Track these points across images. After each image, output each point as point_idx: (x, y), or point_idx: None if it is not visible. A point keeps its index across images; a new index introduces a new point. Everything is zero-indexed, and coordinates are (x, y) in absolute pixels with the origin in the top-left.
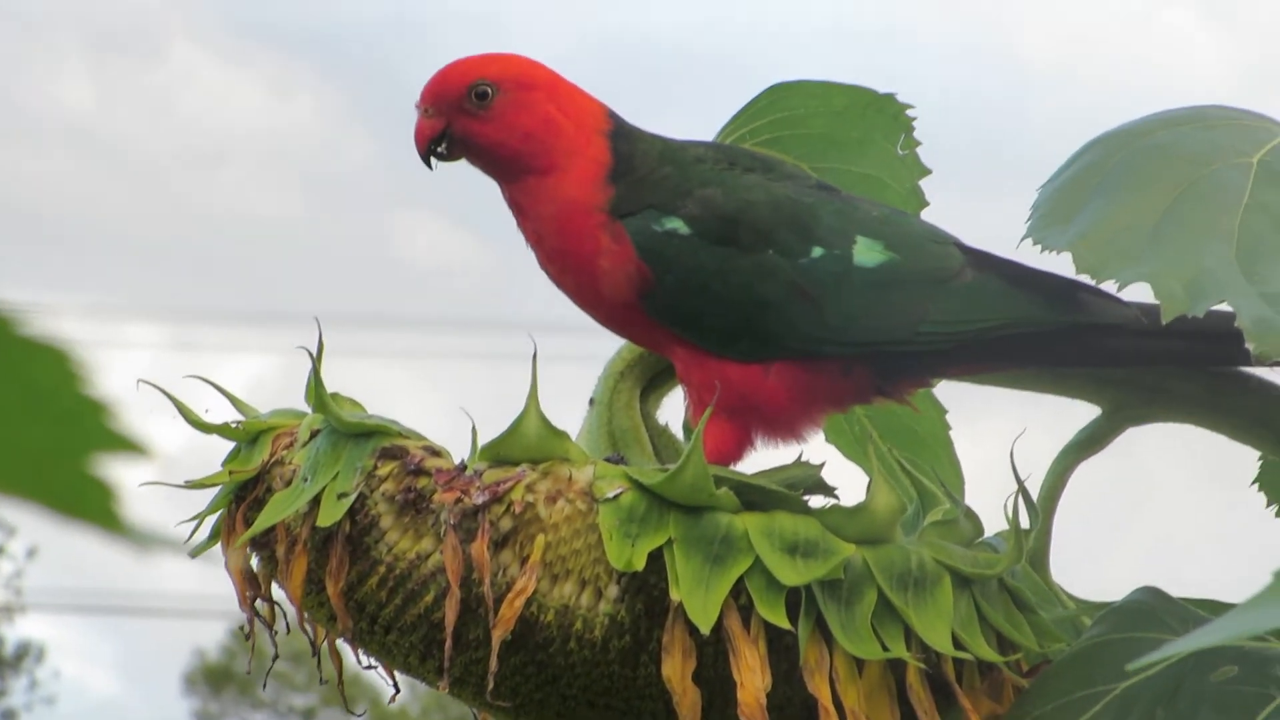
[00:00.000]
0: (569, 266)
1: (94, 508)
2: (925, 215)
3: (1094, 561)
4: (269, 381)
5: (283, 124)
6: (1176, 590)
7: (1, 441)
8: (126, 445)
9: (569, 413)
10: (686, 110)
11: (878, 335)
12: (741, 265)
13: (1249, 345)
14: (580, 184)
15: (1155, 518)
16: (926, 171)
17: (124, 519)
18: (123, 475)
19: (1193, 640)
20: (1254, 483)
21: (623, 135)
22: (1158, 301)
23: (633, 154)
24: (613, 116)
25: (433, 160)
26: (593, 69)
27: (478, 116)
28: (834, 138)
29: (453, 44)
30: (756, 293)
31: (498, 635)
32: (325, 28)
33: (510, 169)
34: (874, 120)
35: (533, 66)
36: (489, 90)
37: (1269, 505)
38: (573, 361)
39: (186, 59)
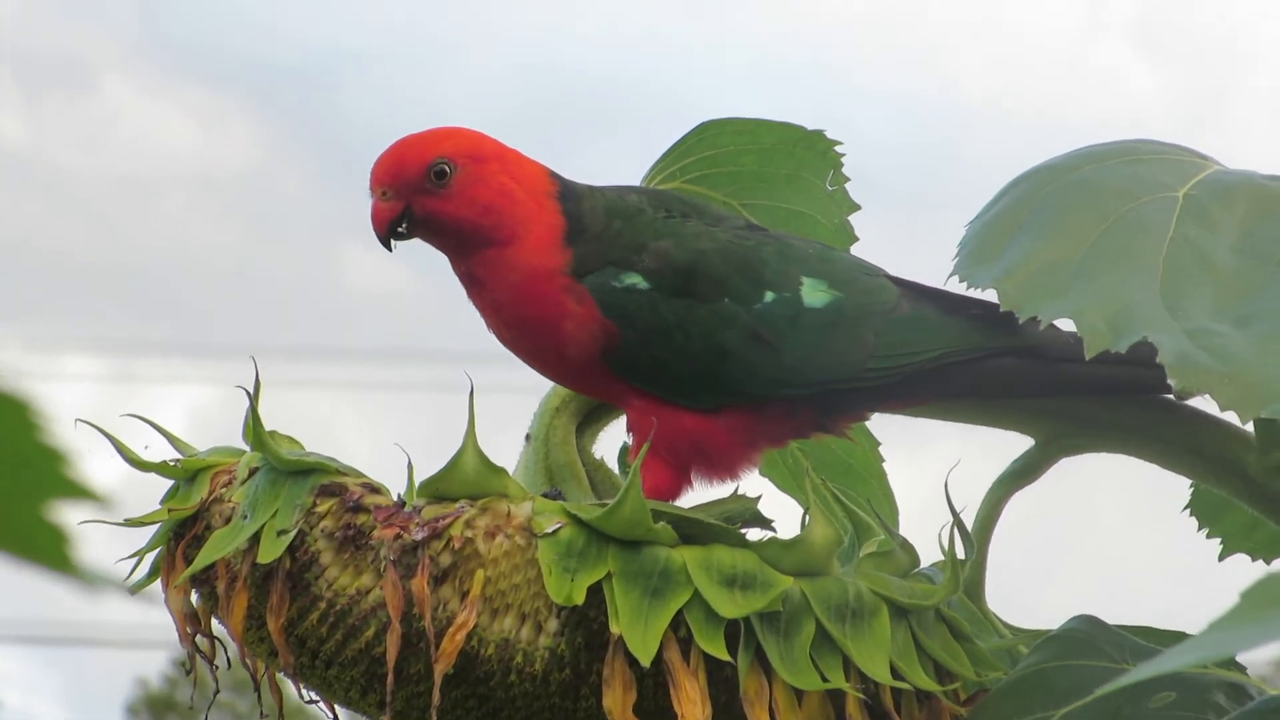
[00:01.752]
0: (529, 331)
1: (48, 551)
2: (856, 250)
3: (1030, 590)
4: (208, 413)
5: (217, 155)
6: (1112, 618)
7: None
8: (82, 493)
9: (508, 443)
10: (618, 142)
11: (830, 374)
12: (700, 315)
13: (1171, 381)
14: (538, 250)
15: (1091, 546)
16: (856, 207)
17: (77, 563)
18: (74, 519)
19: (1153, 666)
20: (1186, 508)
21: (569, 196)
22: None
23: (582, 213)
24: (554, 177)
25: (392, 242)
26: (524, 103)
27: (438, 195)
28: (763, 174)
29: (385, 76)
30: (716, 341)
31: (439, 669)
32: (257, 60)
33: (470, 243)
34: (803, 157)
35: (481, 138)
36: (447, 168)
37: (1200, 529)
38: (511, 391)
39: (119, 91)
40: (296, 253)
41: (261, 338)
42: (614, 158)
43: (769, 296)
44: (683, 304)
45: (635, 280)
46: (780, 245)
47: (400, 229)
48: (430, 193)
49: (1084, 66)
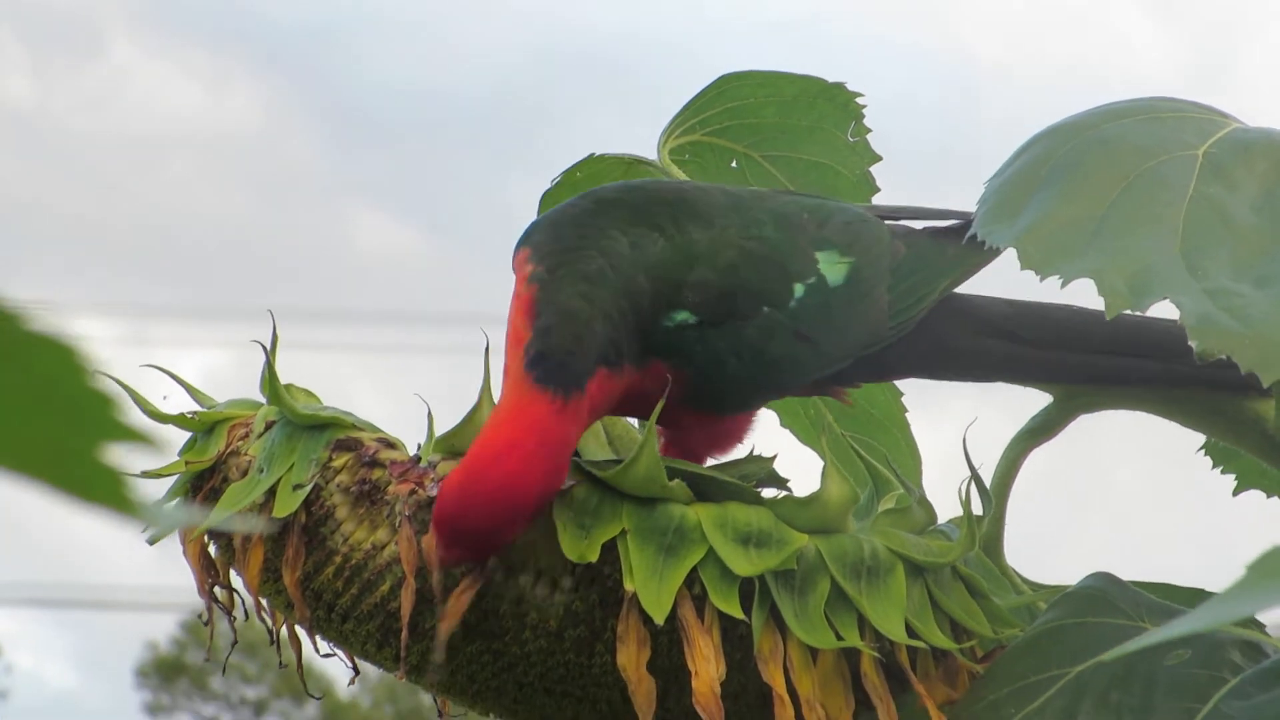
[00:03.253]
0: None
1: (106, 492)
2: (877, 200)
3: (1049, 546)
4: (221, 376)
5: (224, 117)
6: (1129, 574)
7: (16, 431)
8: (132, 435)
9: None
10: (629, 105)
11: (858, 343)
12: (748, 334)
13: (1191, 342)
14: (605, 400)
15: (1109, 502)
16: (877, 158)
17: (135, 501)
18: (129, 461)
19: (1169, 630)
20: (1201, 449)
21: (564, 369)
22: (1101, 298)
23: (599, 343)
24: (543, 383)
25: None
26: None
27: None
28: (784, 126)
29: (393, 35)
30: (767, 353)
31: (444, 628)
32: (264, 21)
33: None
34: (823, 109)
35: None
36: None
37: (1215, 467)
38: None
39: (126, 53)
40: (305, 214)
41: (272, 299)
42: (629, 113)
43: (799, 290)
44: (730, 326)
45: (684, 316)
46: (775, 216)
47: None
48: None
49: (1093, 25)
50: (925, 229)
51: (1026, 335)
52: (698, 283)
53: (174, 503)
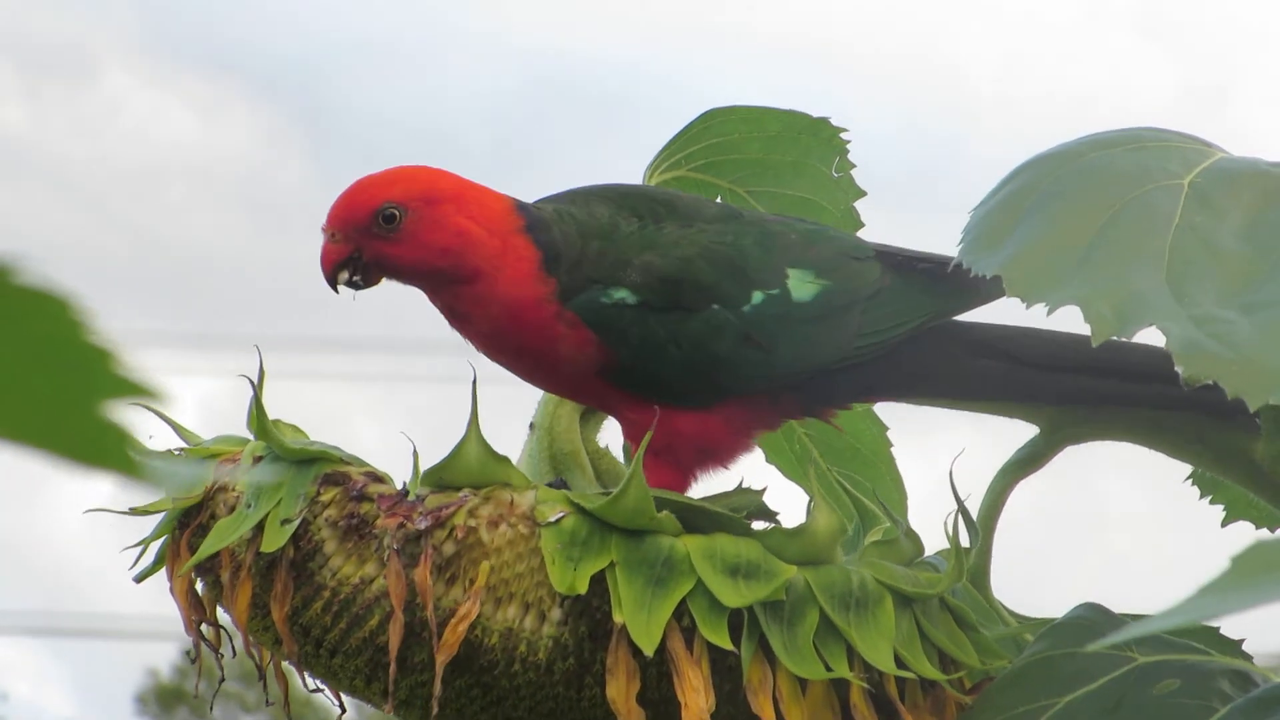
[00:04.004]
0: (525, 356)
1: (109, 452)
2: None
3: (1036, 578)
4: (216, 404)
5: (217, 146)
6: (1118, 605)
7: (10, 392)
8: (135, 389)
9: (512, 432)
10: (620, 131)
11: (819, 361)
12: (691, 326)
13: (1178, 368)
14: (518, 283)
15: (1097, 534)
16: (861, 193)
17: (139, 461)
18: (132, 418)
19: (1150, 624)
20: (1188, 479)
21: (539, 226)
22: (1087, 325)
23: (554, 241)
24: (521, 209)
25: (340, 286)
26: (527, 91)
27: (388, 239)
28: (768, 162)
29: (388, 64)
30: (709, 349)
31: (441, 660)
32: (258, 49)
33: (434, 283)
34: (808, 144)
35: (436, 178)
36: (396, 213)
37: (1203, 497)
38: (514, 381)
39: (120, 81)
40: (300, 243)
41: (266, 328)
42: (617, 147)
43: (757, 297)
44: (672, 315)
45: (623, 295)
46: (761, 233)
47: (354, 278)
48: (379, 237)
49: (1087, 53)
50: (923, 267)
51: (1017, 354)
52: (643, 265)
53: (175, 464)
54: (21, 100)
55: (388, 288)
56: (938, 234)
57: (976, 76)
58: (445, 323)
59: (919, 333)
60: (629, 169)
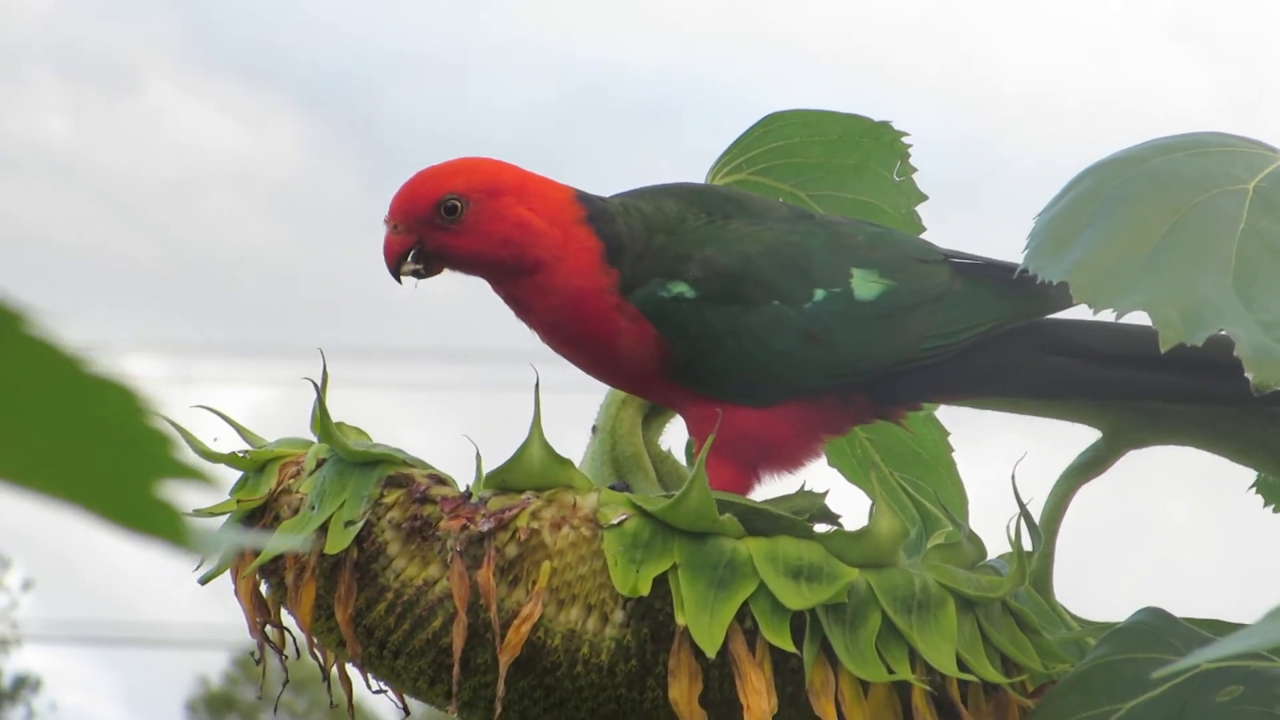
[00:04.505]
0: (583, 349)
1: (161, 525)
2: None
3: (1100, 582)
4: (266, 413)
5: (260, 155)
6: (1180, 610)
7: (72, 467)
8: (188, 472)
9: (573, 438)
10: (670, 145)
11: (884, 360)
12: (751, 321)
13: (1248, 374)
14: (580, 274)
15: (1160, 538)
16: (923, 197)
17: (188, 532)
18: (185, 497)
19: (1207, 653)
20: (1252, 487)
21: (601, 217)
22: (1156, 330)
23: (618, 233)
24: (584, 200)
25: (403, 277)
26: (571, 105)
27: (450, 230)
28: (829, 166)
29: (433, 74)
30: (769, 345)
31: (504, 660)
32: (301, 60)
33: (495, 273)
34: (869, 148)
35: (498, 170)
36: (458, 204)
37: (1266, 506)
38: (576, 386)
39: (162, 91)
40: (344, 251)
41: (311, 337)
42: (662, 155)
43: (819, 294)
44: (732, 310)
45: (682, 289)
46: (829, 234)
47: (416, 267)
48: (442, 228)
49: (1124, 59)
50: (994, 273)
51: (1088, 349)
52: (704, 259)
53: (224, 528)
54: (65, 111)
55: (442, 293)
56: (979, 237)
57: (1014, 82)
58: (494, 331)
59: (989, 337)
60: (687, 175)
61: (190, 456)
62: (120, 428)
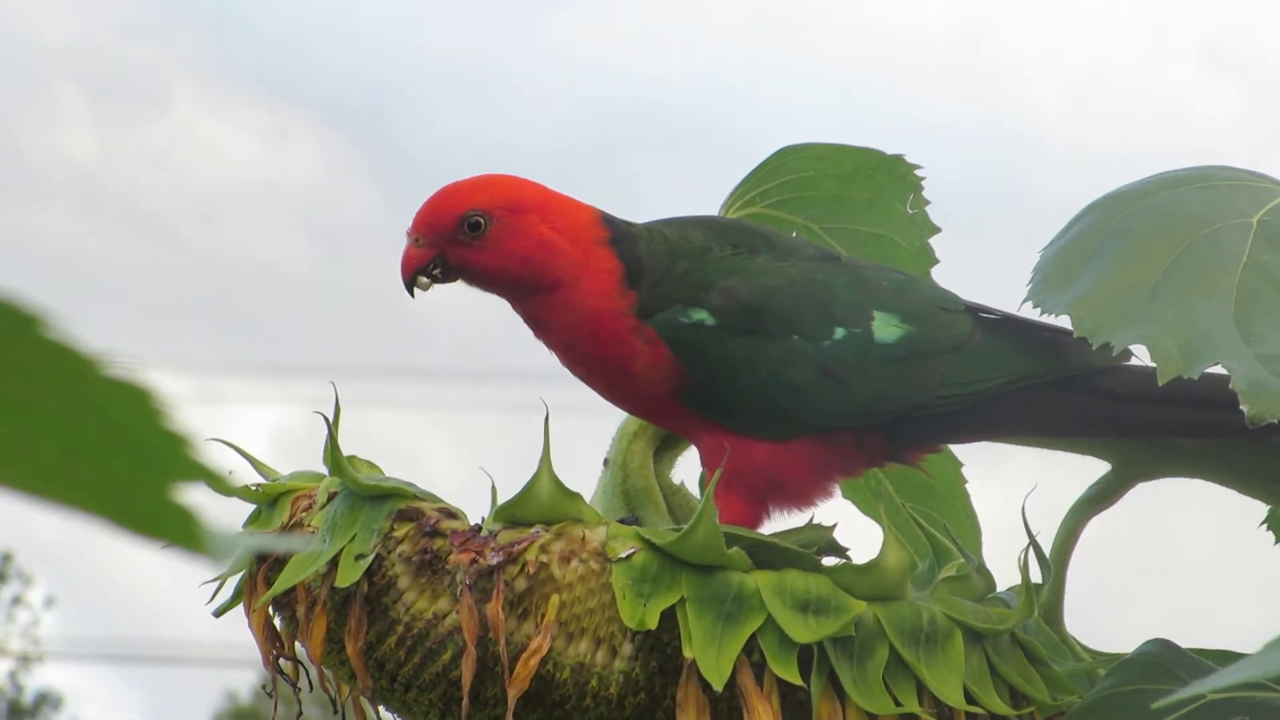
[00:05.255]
0: (599, 370)
1: (176, 531)
2: (934, 272)
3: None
4: (291, 431)
5: (285, 172)
6: (1190, 641)
7: (88, 471)
8: (205, 474)
9: (584, 462)
10: (688, 171)
11: (899, 404)
12: (769, 353)
13: (1244, 407)
14: (597, 294)
15: (1171, 570)
16: (936, 230)
17: (206, 539)
18: (202, 499)
19: (1212, 681)
20: (1263, 523)
21: (624, 240)
22: (1153, 364)
23: (639, 256)
24: (607, 222)
25: (415, 290)
26: (595, 124)
27: (472, 246)
28: (843, 199)
29: (453, 93)
30: (785, 378)
31: (513, 693)
32: (325, 75)
33: (514, 291)
34: (883, 181)
35: (522, 188)
36: (481, 220)
37: (1277, 543)
38: (588, 411)
39: (186, 110)
40: (369, 267)
41: (334, 356)
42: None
43: (839, 332)
44: (751, 341)
45: (703, 317)
46: (853, 276)
47: (433, 274)
48: (464, 243)
49: (1151, 92)
50: (1013, 329)
51: (1102, 388)
52: (726, 289)
53: (241, 535)
54: (90, 130)
55: (465, 311)
56: (998, 272)
57: (1041, 108)
58: (513, 353)
59: (1006, 390)
60: (705, 199)
61: (208, 457)
62: (137, 429)
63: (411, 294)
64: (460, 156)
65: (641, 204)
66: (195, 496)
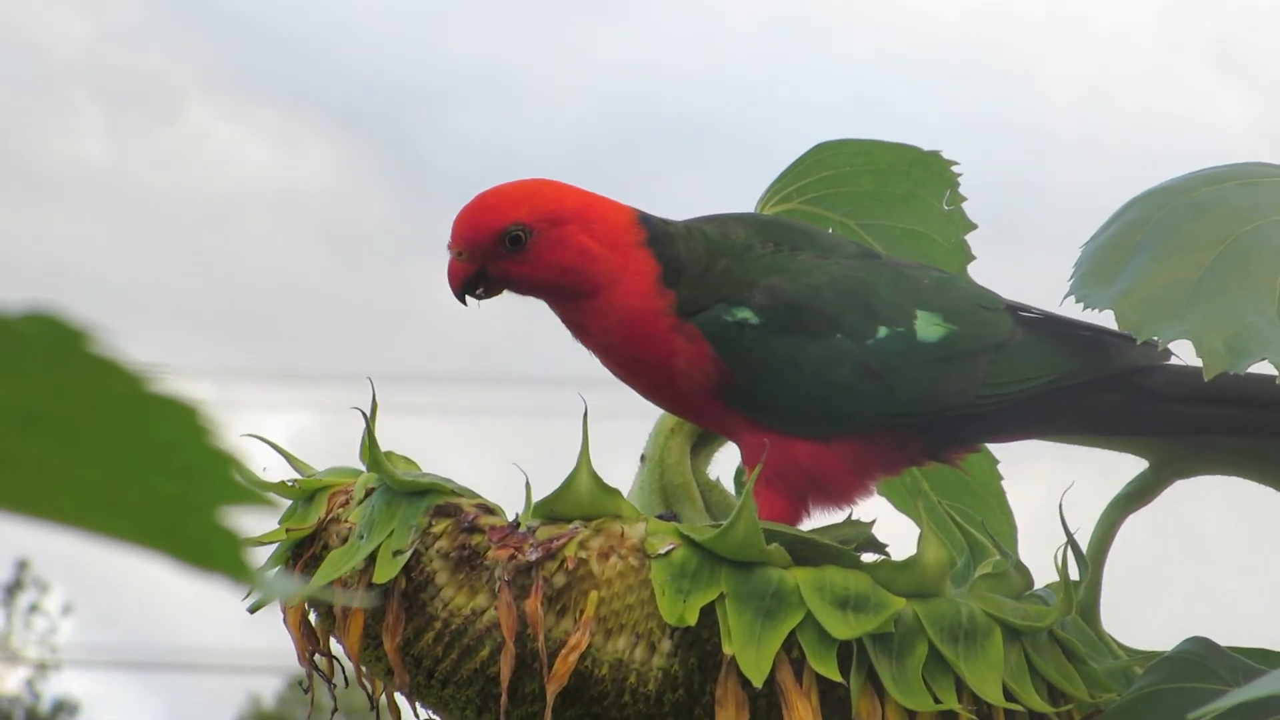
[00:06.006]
0: (641, 370)
1: (223, 557)
2: (971, 268)
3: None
4: (308, 438)
5: (299, 178)
6: (1228, 639)
7: (133, 494)
8: (253, 497)
9: (622, 463)
10: (706, 173)
11: (941, 404)
12: (812, 352)
13: None
14: (636, 295)
15: (1208, 567)
16: (973, 226)
17: (252, 568)
18: (249, 525)
19: (1255, 689)
20: None
21: (661, 240)
22: (1199, 359)
23: (677, 255)
24: (645, 222)
25: (469, 300)
26: (612, 128)
27: (513, 259)
28: (880, 195)
29: (469, 98)
30: (829, 377)
31: (552, 690)
32: (340, 81)
33: (554, 297)
34: (919, 177)
35: (561, 196)
36: (522, 234)
37: None
38: (625, 413)
39: (199, 116)
40: (386, 274)
41: (350, 362)
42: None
43: (882, 331)
44: (795, 339)
45: (746, 315)
46: (895, 275)
47: (477, 294)
48: (505, 257)
49: (1167, 93)
50: (1054, 328)
51: (1144, 386)
52: (770, 287)
53: (279, 571)
54: (105, 135)
55: (487, 318)
56: (1016, 271)
57: (1056, 112)
58: (538, 359)
59: (1047, 389)
60: (728, 201)
61: (256, 480)
62: (186, 448)
63: (464, 304)
64: (476, 161)
65: (657, 209)
66: (242, 520)
